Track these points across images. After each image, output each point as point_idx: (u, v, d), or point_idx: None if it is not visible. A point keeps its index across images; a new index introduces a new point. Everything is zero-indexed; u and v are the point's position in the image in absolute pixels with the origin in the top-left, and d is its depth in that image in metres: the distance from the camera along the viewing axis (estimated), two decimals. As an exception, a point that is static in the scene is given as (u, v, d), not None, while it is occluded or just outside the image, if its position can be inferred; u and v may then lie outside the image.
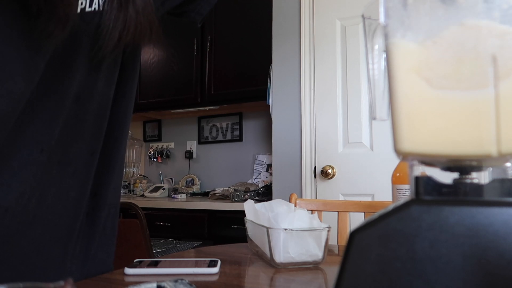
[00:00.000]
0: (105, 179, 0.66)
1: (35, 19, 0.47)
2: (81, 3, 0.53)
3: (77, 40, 0.53)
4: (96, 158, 0.63)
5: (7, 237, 0.52)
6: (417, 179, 0.33)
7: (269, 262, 0.69)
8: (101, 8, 0.54)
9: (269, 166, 2.68)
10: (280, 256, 0.67)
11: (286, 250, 0.67)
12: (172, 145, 3.16)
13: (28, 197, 0.53)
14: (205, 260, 0.67)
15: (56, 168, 0.56)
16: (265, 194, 2.34)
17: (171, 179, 3.07)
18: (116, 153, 0.67)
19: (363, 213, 1.23)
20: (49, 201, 0.56)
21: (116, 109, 0.65)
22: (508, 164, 0.32)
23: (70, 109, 0.56)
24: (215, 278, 0.61)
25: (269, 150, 2.65)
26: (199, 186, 2.95)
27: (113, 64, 0.62)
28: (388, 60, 0.34)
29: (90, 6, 0.53)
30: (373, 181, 1.91)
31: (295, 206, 1.13)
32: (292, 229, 0.67)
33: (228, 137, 2.93)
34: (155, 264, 0.65)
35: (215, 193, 2.53)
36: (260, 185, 2.53)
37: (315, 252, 0.68)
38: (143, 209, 1.71)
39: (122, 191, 3.01)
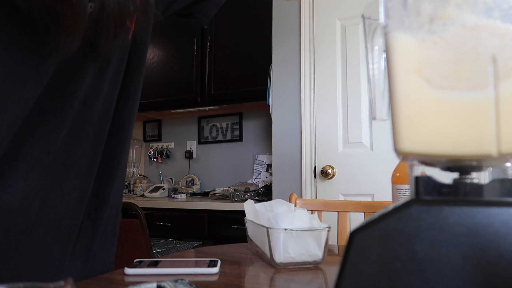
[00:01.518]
0: (107, 180, 0.66)
1: (44, 36, 0.47)
2: (90, 6, 0.52)
3: (85, 43, 0.53)
4: (98, 158, 0.63)
5: (9, 238, 0.52)
6: (417, 179, 0.33)
7: (269, 262, 0.69)
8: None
9: (269, 166, 2.68)
10: (280, 256, 0.67)
11: (286, 250, 0.67)
12: (172, 145, 3.16)
13: (32, 198, 0.53)
14: (205, 260, 0.67)
15: (60, 169, 0.56)
16: (265, 194, 2.34)
17: (171, 179, 3.07)
18: (120, 155, 0.67)
19: (363, 213, 1.23)
20: (51, 202, 0.56)
21: (120, 111, 0.65)
22: (508, 164, 0.32)
23: (77, 111, 0.56)
24: (215, 278, 0.61)
25: (269, 150, 2.65)
26: (199, 186, 2.95)
27: (118, 65, 0.62)
28: (388, 60, 0.34)
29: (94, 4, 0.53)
30: (373, 181, 1.91)
31: (295, 206, 1.13)
32: (292, 229, 0.67)
33: (228, 137, 2.93)
34: (155, 264, 0.65)
35: (215, 193, 2.53)
36: (260, 185, 2.53)
37: (315, 252, 0.68)
38: (143, 209, 1.71)
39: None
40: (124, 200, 2.53)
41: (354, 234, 0.32)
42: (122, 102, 0.66)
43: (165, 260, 0.68)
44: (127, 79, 0.65)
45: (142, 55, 0.68)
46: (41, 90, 0.50)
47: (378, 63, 0.38)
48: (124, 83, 0.65)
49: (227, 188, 2.54)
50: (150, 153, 3.17)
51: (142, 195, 2.85)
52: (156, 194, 2.74)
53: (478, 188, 0.32)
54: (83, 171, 0.60)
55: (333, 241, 0.99)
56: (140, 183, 2.98)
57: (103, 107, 0.61)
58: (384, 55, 0.37)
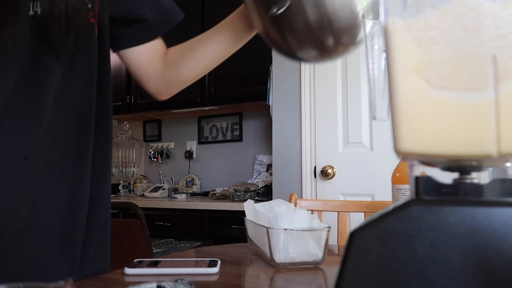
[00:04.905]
0: (101, 182, 0.66)
1: None
2: (36, 5, 0.53)
3: (44, 44, 0.54)
4: (87, 160, 0.62)
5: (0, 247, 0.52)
6: (417, 179, 0.33)
7: (269, 262, 0.69)
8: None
9: (269, 166, 2.68)
10: (280, 256, 0.67)
11: (286, 250, 0.67)
12: (172, 145, 3.16)
13: (18, 205, 0.53)
14: (205, 260, 0.67)
15: (44, 173, 0.56)
16: (265, 194, 2.34)
17: (171, 179, 3.07)
18: (108, 154, 0.67)
19: (363, 213, 1.23)
20: (40, 207, 0.56)
21: (102, 109, 0.65)
22: (508, 164, 0.32)
23: (51, 112, 0.56)
24: (215, 278, 0.61)
25: (269, 150, 2.65)
26: (199, 186, 2.95)
27: (88, 62, 0.62)
28: (388, 60, 0.34)
29: (42, 5, 0.54)
30: (373, 181, 1.91)
31: (295, 206, 1.13)
32: (292, 229, 0.67)
33: (228, 137, 2.93)
34: (155, 264, 0.65)
35: (215, 193, 2.53)
36: (260, 185, 2.53)
37: (315, 252, 0.68)
38: (143, 209, 1.71)
39: (122, 191, 3.01)
40: (124, 200, 2.52)
41: (354, 234, 0.32)
42: (103, 100, 0.65)
43: (165, 260, 0.68)
44: (100, 76, 0.65)
45: (107, 50, 0.67)
46: (7, 92, 0.50)
47: (378, 63, 0.38)
48: (101, 81, 0.65)
49: (227, 188, 2.54)
50: (150, 153, 3.17)
51: (142, 195, 2.85)
52: (156, 194, 2.74)
53: (478, 188, 0.32)
54: (69, 174, 0.60)
55: (333, 241, 0.99)
56: (140, 183, 2.98)
57: (82, 107, 0.61)
58: (384, 55, 0.37)
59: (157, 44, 0.75)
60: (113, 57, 0.71)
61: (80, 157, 0.61)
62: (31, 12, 0.53)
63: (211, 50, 0.71)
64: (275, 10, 0.52)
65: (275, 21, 0.56)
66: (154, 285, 0.48)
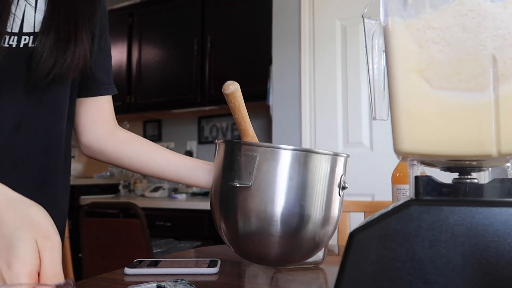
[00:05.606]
0: (68, 215, 0.66)
1: None
2: (10, 39, 0.55)
3: (12, 70, 0.55)
4: (49, 191, 0.62)
5: None
6: (417, 179, 0.33)
7: (269, 262, 0.69)
8: (33, 44, 0.56)
9: (269, 166, 2.68)
10: (280, 256, 0.67)
11: (286, 250, 0.67)
12: (172, 145, 3.16)
13: None
14: (205, 260, 0.67)
15: None
16: (265, 194, 2.34)
17: (171, 179, 3.07)
18: (68, 187, 0.68)
19: (363, 213, 1.23)
20: None
21: (69, 141, 0.66)
22: (508, 164, 0.32)
23: (11, 137, 0.57)
24: (215, 278, 0.61)
25: (269, 150, 2.64)
26: (199, 186, 2.95)
27: (58, 99, 0.63)
28: (388, 60, 0.34)
29: (19, 42, 0.56)
30: (373, 181, 1.91)
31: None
32: (292, 229, 0.67)
33: (229, 137, 2.93)
34: (155, 264, 0.65)
35: (215, 193, 2.53)
36: (260, 185, 2.53)
37: (315, 252, 0.68)
38: (143, 209, 1.71)
39: (122, 191, 3.02)
40: (124, 200, 2.52)
41: (354, 234, 0.32)
42: (71, 132, 0.67)
43: (165, 260, 0.68)
44: (71, 110, 0.66)
45: (76, 84, 0.68)
46: None
47: (378, 63, 0.39)
48: (70, 115, 0.66)
49: (227, 188, 2.53)
50: (150, 153, 3.16)
51: (142, 195, 2.85)
52: (156, 194, 2.74)
53: (478, 188, 0.32)
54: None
55: (333, 241, 0.99)
56: (140, 183, 2.98)
57: (47, 138, 0.61)
58: (384, 55, 0.37)
59: (107, 111, 0.75)
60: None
61: (41, 188, 0.61)
62: (5, 45, 0.55)
63: (155, 161, 0.70)
64: (236, 183, 0.52)
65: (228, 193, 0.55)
66: (154, 285, 0.48)
